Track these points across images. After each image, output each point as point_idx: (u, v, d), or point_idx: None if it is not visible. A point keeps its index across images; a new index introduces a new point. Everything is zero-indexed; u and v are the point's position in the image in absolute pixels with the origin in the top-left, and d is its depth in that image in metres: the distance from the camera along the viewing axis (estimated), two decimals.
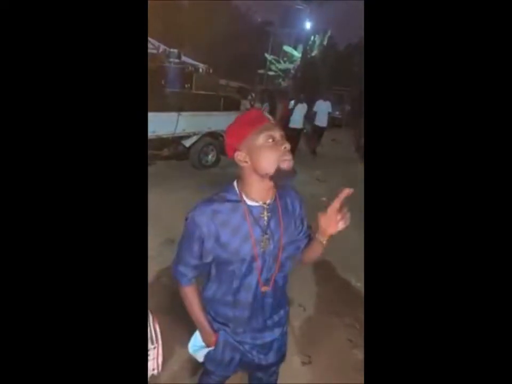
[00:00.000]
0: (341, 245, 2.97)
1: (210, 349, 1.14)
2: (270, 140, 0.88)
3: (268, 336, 1.14)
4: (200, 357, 1.18)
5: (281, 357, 1.22)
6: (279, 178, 0.90)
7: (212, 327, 1.12)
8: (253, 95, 8.21)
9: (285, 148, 0.88)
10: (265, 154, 0.88)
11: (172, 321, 1.97)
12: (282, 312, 1.17)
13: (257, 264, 1.00)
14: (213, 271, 1.07)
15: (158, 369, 1.02)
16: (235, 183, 1.00)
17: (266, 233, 0.98)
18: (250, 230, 0.95)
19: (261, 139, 0.88)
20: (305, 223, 1.12)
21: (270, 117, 0.93)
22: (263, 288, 1.04)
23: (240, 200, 0.96)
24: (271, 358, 1.17)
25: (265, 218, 0.98)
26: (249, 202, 0.97)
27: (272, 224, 0.99)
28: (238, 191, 0.97)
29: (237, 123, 0.94)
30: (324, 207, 0.93)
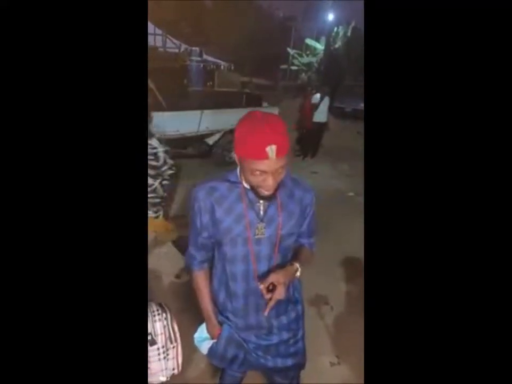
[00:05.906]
0: None
1: (214, 341, 1.11)
2: (257, 173, 0.86)
3: (274, 339, 1.08)
4: (204, 350, 1.15)
5: (297, 363, 1.14)
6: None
7: (217, 318, 1.10)
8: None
9: (264, 182, 0.87)
10: (247, 176, 0.90)
11: (198, 320, 1.97)
12: (293, 314, 1.10)
13: (251, 249, 0.98)
14: (216, 255, 1.07)
15: (178, 368, 1.00)
16: (238, 168, 1.00)
17: (262, 221, 0.97)
18: (245, 211, 0.96)
19: (249, 167, 0.86)
20: (310, 222, 1.07)
21: (273, 153, 0.82)
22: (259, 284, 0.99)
23: (238, 182, 0.99)
24: (279, 362, 1.10)
25: (261, 206, 0.98)
26: (247, 186, 0.97)
27: (270, 212, 0.98)
28: (238, 174, 1.00)
29: (244, 135, 0.84)
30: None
